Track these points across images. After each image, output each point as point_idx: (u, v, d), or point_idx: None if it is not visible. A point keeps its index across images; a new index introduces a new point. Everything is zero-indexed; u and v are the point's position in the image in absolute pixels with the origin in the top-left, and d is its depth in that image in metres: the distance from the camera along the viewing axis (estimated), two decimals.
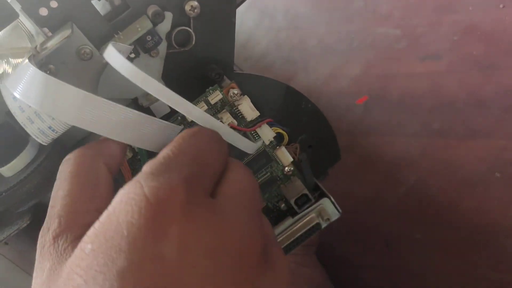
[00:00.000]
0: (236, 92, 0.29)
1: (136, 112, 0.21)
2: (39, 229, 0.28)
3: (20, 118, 0.22)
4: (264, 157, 0.30)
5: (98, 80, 0.27)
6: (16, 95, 0.20)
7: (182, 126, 0.24)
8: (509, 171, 0.49)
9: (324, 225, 0.30)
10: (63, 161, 0.22)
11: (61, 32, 0.25)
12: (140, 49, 0.27)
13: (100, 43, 0.27)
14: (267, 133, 0.29)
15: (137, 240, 0.16)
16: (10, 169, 0.24)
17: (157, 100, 0.28)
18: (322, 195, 0.31)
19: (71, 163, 0.21)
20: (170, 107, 0.28)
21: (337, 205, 0.30)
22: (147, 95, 0.28)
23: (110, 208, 0.18)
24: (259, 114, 0.29)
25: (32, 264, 0.27)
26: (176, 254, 0.16)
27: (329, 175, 0.36)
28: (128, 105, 0.24)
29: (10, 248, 0.27)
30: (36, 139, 0.23)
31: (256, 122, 0.29)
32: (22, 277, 0.27)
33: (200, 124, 0.23)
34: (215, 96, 0.28)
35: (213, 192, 0.20)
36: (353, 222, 0.59)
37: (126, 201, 0.17)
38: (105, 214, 0.18)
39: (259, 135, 0.29)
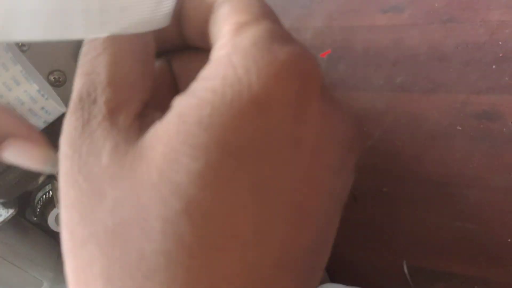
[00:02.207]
0: None
1: None
2: (26, 221, 0.28)
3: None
4: None
5: None
6: None
7: None
8: (469, 124, 0.50)
9: None
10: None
11: None
12: None
13: None
14: None
15: (280, 121, 0.14)
16: None
17: None
18: None
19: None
20: None
21: None
22: None
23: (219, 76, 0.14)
24: None
25: (20, 256, 0.28)
26: (313, 139, 0.14)
27: None
28: None
29: None
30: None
31: None
32: (10, 270, 0.27)
33: None
34: None
35: None
36: None
37: (258, 69, 0.13)
38: (218, 82, 0.13)
39: None
